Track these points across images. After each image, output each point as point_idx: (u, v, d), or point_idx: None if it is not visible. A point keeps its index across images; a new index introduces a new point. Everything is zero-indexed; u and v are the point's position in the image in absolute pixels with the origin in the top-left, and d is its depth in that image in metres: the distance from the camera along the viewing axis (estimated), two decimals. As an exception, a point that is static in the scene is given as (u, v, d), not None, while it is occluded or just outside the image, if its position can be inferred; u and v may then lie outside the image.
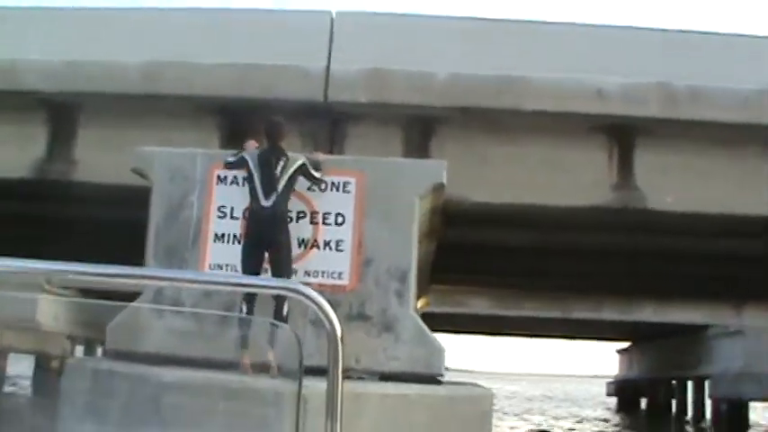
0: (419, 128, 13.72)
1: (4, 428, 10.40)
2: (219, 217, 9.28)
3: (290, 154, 8.76)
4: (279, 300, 8.04)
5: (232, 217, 9.25)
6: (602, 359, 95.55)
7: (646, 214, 14.15)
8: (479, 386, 9.72)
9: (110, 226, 15.25)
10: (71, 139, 14.45)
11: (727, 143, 13.65)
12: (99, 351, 44.28)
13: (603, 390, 67.93)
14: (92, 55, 13.93)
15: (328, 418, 2.48)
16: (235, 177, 9.32)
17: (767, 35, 14.26)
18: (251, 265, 8.31)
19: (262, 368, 8.00)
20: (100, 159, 14.08)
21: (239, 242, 9.09)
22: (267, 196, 8.53)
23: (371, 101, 13.29)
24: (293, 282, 2.58)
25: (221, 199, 9.33)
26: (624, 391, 55.28)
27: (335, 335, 2.54)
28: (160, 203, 9.50)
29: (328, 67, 13.47)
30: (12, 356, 35.67)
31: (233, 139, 13.55)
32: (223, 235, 9.22)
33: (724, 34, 16.71)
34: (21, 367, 37.09)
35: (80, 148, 14.41)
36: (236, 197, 9.27)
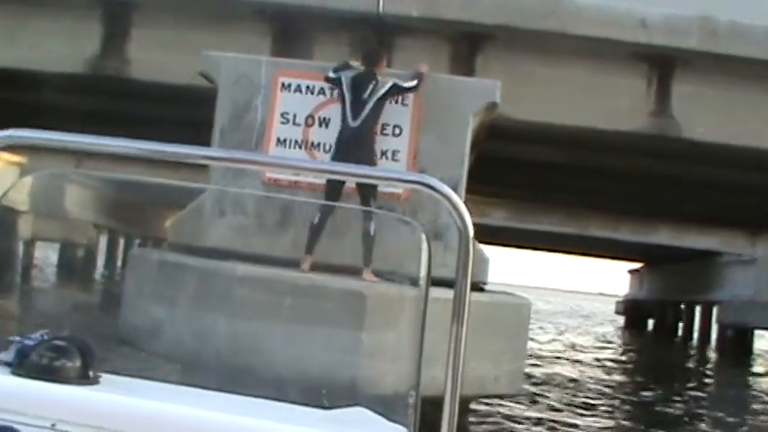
0: (466, 44, 14.09)
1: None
2: (282, 123, 9.62)
3: (380, 78, 9.06)
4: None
5: (294, 123, 9.62)
6: (611, 278, 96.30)
7: (677, 142, 14.61)
8: (518, 296, 10.22)
9: (162, 123, 15.70)
10: (125, 38, 14.81)
11: (762, 79, 13.95)
12: (121, 241, 45.08)
13: (610, 308, 69.28)
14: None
15: (454, 322, 2.35)
16: (299, 85, 9.67)
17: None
18: (335, 181, 8.46)
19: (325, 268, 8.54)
20: (153, 58, 14.46)
21: (300, 147, 9.53)
22: (355, 118, 8.92)
23: (423, 15, 13.60)
24: (426, 176, 2.32)
25: (285, 105, 9.65)
26: (632, 311, 56.11)
27: (468, 236, 2.28)
28: (225, 107, 9.85)
29: (383, -21, 13.74)
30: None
31: (284, 44, 13.91)
32: (285, 140, 9.59)
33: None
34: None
35: (134, 47, 14.78)
36: (299, 104, 9.64)
